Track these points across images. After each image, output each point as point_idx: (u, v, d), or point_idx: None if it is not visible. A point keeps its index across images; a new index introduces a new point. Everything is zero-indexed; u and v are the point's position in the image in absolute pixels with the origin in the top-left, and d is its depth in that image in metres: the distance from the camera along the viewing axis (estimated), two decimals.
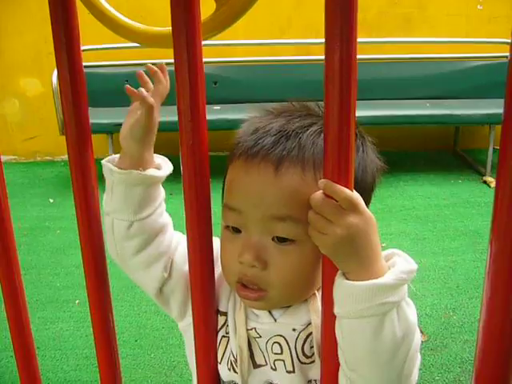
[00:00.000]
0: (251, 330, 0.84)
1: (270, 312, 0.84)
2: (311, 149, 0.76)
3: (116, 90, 4.73)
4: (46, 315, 2.65)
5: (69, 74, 0.75)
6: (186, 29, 0.63)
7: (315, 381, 0.82)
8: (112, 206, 0.86)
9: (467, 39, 4.65)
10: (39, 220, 3.78)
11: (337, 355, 0.71)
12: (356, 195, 0.64)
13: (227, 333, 0.86)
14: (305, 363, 0.82)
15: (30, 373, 0.99)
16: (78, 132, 0.79)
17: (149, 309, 2.67)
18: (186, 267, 0.85)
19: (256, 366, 0.85)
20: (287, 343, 0.82)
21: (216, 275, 0.82)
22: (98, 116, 4.15)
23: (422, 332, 2.39)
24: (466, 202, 3.94)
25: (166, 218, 0.89)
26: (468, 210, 3.79)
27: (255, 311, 0.85)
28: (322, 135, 0.75)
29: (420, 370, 2.21)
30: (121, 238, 0.87)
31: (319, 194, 0.64)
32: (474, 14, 4.86)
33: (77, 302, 2.74)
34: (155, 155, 0.88)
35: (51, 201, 4.14)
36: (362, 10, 4.69)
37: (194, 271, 0.77)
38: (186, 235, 0.77)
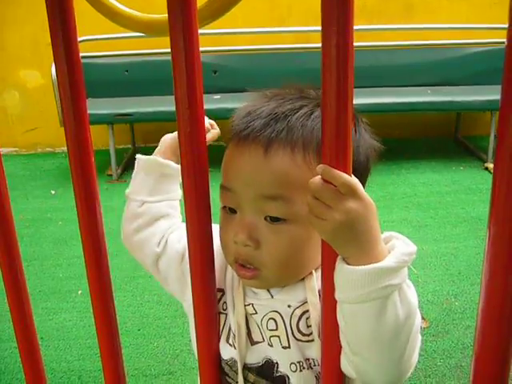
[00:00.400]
0: (248, 305, 0.86)
1: (268, 290, 0.86)
2: (300, 130, 0.77)
3: (115, 80, 4.76)
4: (49, 306, 2.66)
5: (66, 65, 0.75)
6: (183, 16, 0.63)
7: (313, 359, 0.83)
8: (132, 187, 1.00)
9: (468, 25, 4.62)
10: (41, 212, 3.79)
11: (337, 339, 0.72)
12: (355, 180, 0.64)
13: (224, 309, 0.89)
14: (301, 340, 0.84)
15: (34, 363, 0.99)
16: (76, 123, 0.79)
17: (151, 298, 2.68)
18: (178, 245, 0.94)
19: (253, 342, 0.86)
20: (282, 319, 0.84)
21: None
22: (97, 106, 4.15)
23: (423, 318, 2.39)
24: (468, 189, 3.93)
25: (173, 211, 1.00)
26: (470, 197, 3.79)
27: (254, 289, 0.87)
28: (312, 117, 0.77)
29: (422, 355, 2.22)
30: (130, 216, 0.99)
31: (317, 179, 0.64)
32: (474, 0, 4.83)
33: (79, 292, 2.76)
34: None
35: (53, 192, 4.15)
36: None
37: (194, 260, 0.77)
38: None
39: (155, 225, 0.97)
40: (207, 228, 0.76)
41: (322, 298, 0.71)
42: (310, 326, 0.82)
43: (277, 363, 0.85)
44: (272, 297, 0.86)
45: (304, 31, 4.55)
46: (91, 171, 0.83)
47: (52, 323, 2.52)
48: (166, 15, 0.66)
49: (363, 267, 0.65)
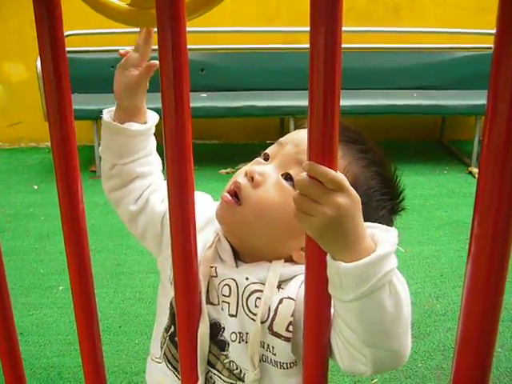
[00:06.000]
0: (212, 267, 0.90)
1: (235, 261, 0.91)
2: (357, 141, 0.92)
3: (102, 75, 4.72)
4: (29, 301, 2.64)
5: (52, 59, 0.74)
6: (171, 9, 0.62)
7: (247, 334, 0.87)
8: (102, 146, 1.01)
9: (455, 29, 4.65)
10: (23, 206, 3.76)
11: (320, 336, 0.72)
12: (341, 176, 0.64)
13: None
14: (247, 315, 0.87)
15: (13, 359, 0.98)
16: (61, 118, 0.78)
17: (133, 296, 2.67)
18: (160, 206, 0.99)
19: (208, 302, 0.90)
20: (237, 288, 0.88)
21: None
22: (83, 102, 4.12)
23: None
24: (452, 192, 3.96)
25: (148, 168, 1.01)
26: (453, 200, 3.82)
27: (223, 256, 0.92)
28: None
29: None
30: (104, 176, 1.03)
31: (304, 175, 0.64)
32: (462, 5, 4.86)
33: (60, 288, 2.74)
34: (150, 111, 1.02)
35: (35, 187, 4.11)
36: None
37: (176, 260, 0.77)
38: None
39: (130, 185, 1.00)
40: (191, 227, 0.75)
41: (305, 299, 0.71)
42: (258, 306, 0.85)
43: (223, 328, 0.89)
44: (237, 267, 0.91)
45: (292, 31, 4.56)
46: (75, 167, 0.82)
47: (32, 319, 2.50)
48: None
49: (366, 259, 0.66)
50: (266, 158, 0.92)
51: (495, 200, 0.54)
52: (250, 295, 0.87)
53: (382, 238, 0.70)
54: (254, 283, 0.87)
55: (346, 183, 0.64)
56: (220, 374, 0.91)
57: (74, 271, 0.87)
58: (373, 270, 0.66)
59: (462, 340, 0.61)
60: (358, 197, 0.66)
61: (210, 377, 0.91)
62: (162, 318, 0.99)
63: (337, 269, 0.66)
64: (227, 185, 0.93)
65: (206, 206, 1.00)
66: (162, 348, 0.99)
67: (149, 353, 1.08)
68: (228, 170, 4.25)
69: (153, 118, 1.02)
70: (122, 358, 2.25)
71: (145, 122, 1.00)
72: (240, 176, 0.90)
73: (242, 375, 0.90)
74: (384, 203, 0.92)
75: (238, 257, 0.93)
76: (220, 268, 0.91)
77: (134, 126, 0.97)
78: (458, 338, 0.61)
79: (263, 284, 0.86)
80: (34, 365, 2.20)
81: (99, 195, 3.78)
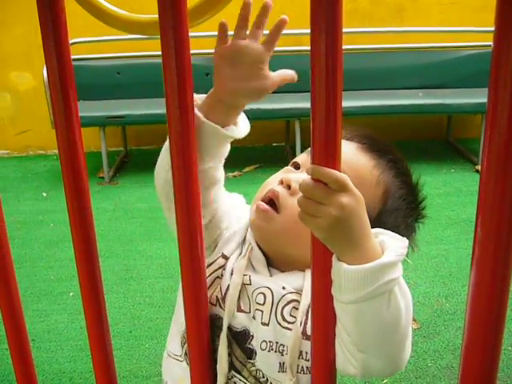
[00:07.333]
0: (246, 275, 0.90)
1: (269, 269, 0.91)
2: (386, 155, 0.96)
3: (107, 82, 4.75)
4: (40, 308, 2.65)
5: (57, 67, 0.75)
6: (173, 16, 0.63)
7: (285, 347, 0.86)
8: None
9: (459, 28, 4.64)
10: (33, 214, 3.78)
11: (328, 340, 0.73)
12: (345, 176, 0.64)
13: (222, 275, 0.93)
14: (280, 324, 0.87)
15: (25, 365, 0.99)
16: (67, 125, 0.79)
17: (143, 300, 2.68)
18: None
19: (239, 309, 0.90)
20: (272, 297, 0.88)
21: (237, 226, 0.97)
22: (89, 109, 4.14)
23: (414, 320, 2.40)
24: (459, 191, 3.95)
25: (221, 173, 0.94)
26: (460, 199, 3.80)
27: (256, 266, 0.92)
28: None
29: (413, 357, 2.21)
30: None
31: (308, 179, 0.65)
32: (465, 3, 4.85)
33: (71, 294, 2.75)
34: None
35: (44, 194, 4.13)
36: (355, 0, 4.68)
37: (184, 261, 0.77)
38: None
39: (207, 192, 0.90)
40: (199, 229, 0.76)
41: (312, 298, 0.72)
42: (294, 316, 0.85)
43: (252, 336, 0.89)
44: (271, 276, 0.91)
45: (295, 34, 4.56)
46: (82, 173, 0.83)
47: (43, 325, 2.52)
48: (156, 15, 0.66)
49: (368, 265, 0.66)
50: (297, 167, 0.93)
51: (498, 198, 0.54)
52: (286, 305, 0.87)
53: (391, 246, 0.70)
54: (290, 293, 0.87)
55: (350, 183, 0.65)
56: (246, 381, 0.91)
57: (83, 277, 0.88)
58: (373, 276, 0.66)
59: (468, 339, 0.61)
60: (362, 196, 0.67)
61: (235, 383, 0.91)
62: (182, 318, 0.97)
63: (338, 269, 0.67)
64: (259, 193, 0.92)
65: (240, 208, 1.00)
66: (182, 347, 0.98)
67: (162, 352, 1.06)
68: (235, 173, 4.26)
69: (242, 121, 0.92)
70: (133, 362, 2.25)
71: (234, 123, 0.90)
72: (275, 184, 0.91)
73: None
74: (411, 211, 0.96)
75: (271, 264, 0.93)
76: (254, 276, 0.90)
77: (235, 133, 0.89)
78: (464, 337, 0.61)
79: (299, 293, 0.87)
80: (46, 371, 2.21)
81: (107, 201, 3.83)
